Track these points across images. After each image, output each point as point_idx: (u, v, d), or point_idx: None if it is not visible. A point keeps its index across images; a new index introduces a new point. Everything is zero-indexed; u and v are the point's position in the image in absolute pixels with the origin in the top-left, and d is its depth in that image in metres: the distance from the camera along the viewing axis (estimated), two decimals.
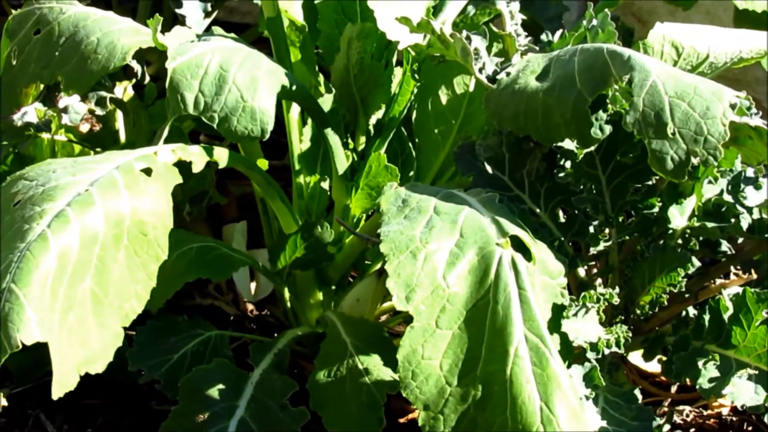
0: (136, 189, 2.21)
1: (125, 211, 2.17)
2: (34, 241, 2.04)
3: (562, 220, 2.61)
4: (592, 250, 2.65)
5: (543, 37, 2.78)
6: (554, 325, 2.11)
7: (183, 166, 2.37)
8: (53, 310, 2.01)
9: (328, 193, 2.93)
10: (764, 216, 2.58)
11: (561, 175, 2.57)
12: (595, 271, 2.77)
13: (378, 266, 2.92)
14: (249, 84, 2.42)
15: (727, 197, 2.60)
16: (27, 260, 2.01)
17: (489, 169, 2.55)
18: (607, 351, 2.41)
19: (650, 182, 2.59)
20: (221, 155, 2.51)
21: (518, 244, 2.14)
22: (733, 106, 2.22)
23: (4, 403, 2.28)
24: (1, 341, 1.93)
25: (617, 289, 2.49)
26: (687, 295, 2.69)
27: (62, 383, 2.02)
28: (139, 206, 2.19)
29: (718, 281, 2.74)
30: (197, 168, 2.41)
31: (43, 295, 2.00)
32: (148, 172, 2.26)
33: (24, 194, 2.17)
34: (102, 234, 2.12)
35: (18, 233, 2.07)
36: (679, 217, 2.66)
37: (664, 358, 2.64)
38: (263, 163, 2.88)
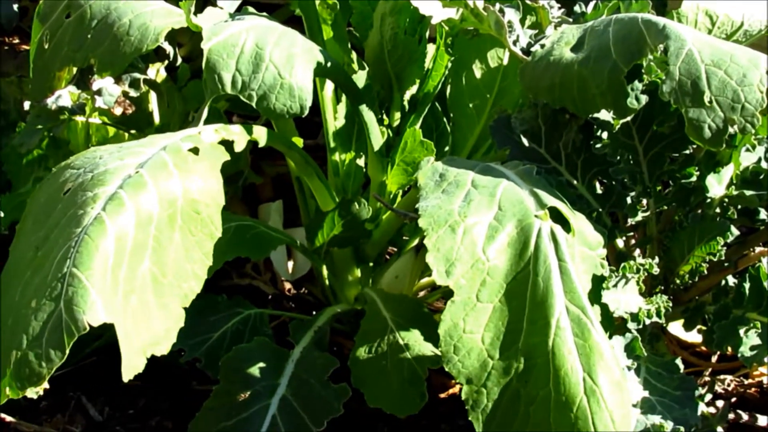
0: (185, 168, 2.19)
1: (177, 191, 2.15)
2: (91, 225, 2.02)
3: (600, 191, 2.60)
4: (630, 221, 2.64)
5: (576, 8, 2.76)
6: (595, 296, 2.10)
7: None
8: (116, 293, 1.99)
9: (364, 170, 2.93)
10: None
11: (598, 146, 2.56)
12: (633, 241, 2.76)
13: (416, 242, 2.91)
14: (286, 61, 2.42)
15: (765, 165, 2.59)
16: (86, 244, 1.99)
17: (525, 142, 2.54)
18: (647, 321, 2.40)
19: (687, 151, 2.58)
20: (260, 134, 2.50)
21: (557, 216, 2.14)
22: None
23: (46, 385, 2.28)
24: (69, 324, 1.91)
25: (656, 260, 2.48)
26: (726, 264, 2.67)
27: (131, 366, 2.00)
28: (190, 185, 2.17)
29: (758, 249, 2.72)
30: (239, 147, 2.40)
31: (105, 278, 1.98)
32: (194, 152, 2.25)
33: (73, 182, 2.15)
34: (156, 215, 2.10)
35: (73, 219, 2.06)
36: (717, 185, 2.65)
37: (704, 328, 2.63)
38: (298, 141, 2.88)
